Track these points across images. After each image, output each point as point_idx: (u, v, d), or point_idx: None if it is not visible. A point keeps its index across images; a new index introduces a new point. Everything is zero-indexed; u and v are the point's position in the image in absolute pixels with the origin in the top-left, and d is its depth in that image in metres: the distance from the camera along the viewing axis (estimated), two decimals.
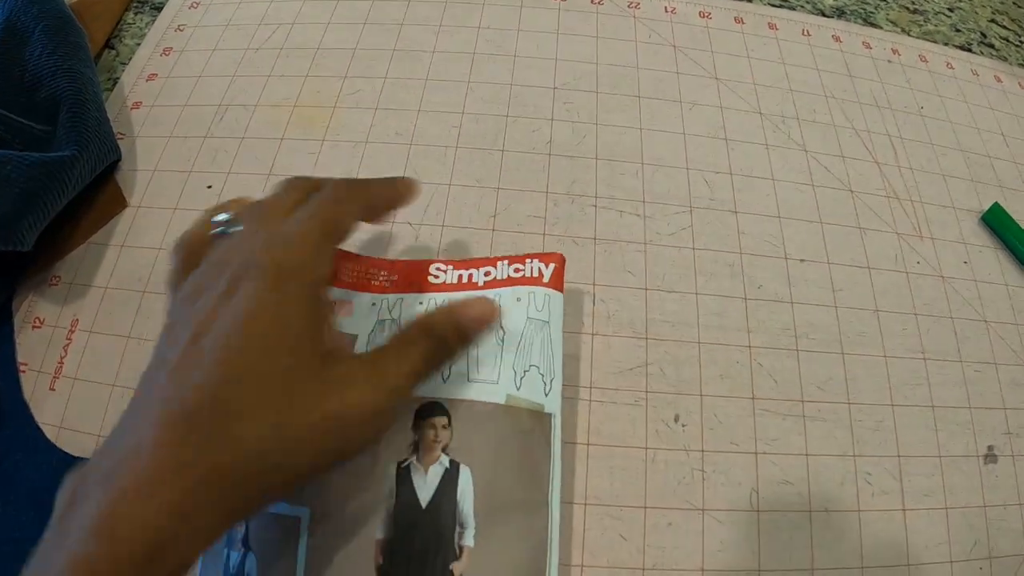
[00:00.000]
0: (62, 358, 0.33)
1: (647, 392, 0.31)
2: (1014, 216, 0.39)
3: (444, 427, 0.26)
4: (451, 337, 0.24)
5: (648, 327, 0.33)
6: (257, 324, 0.20)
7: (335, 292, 0.29)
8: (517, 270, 0.29)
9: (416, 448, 0.25)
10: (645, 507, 0.29)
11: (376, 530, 0.24)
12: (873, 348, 0.34)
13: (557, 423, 0.27)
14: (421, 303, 0.29)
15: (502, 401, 0.26)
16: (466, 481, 0.25)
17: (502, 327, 0.28)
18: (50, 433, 0.32)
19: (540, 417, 0.27)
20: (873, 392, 0.33)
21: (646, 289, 0.34)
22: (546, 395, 0.27)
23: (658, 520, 0.29)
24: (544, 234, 0.35)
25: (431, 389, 0.26)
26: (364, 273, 0.30)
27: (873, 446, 0.32)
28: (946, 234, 0.38)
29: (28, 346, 0.34)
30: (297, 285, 0.21)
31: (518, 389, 0.27)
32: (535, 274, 0.29)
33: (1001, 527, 0.31)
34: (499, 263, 0.30)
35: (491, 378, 0.27)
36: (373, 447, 0.25)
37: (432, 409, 0.26)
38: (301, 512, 0.24)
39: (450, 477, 0.25)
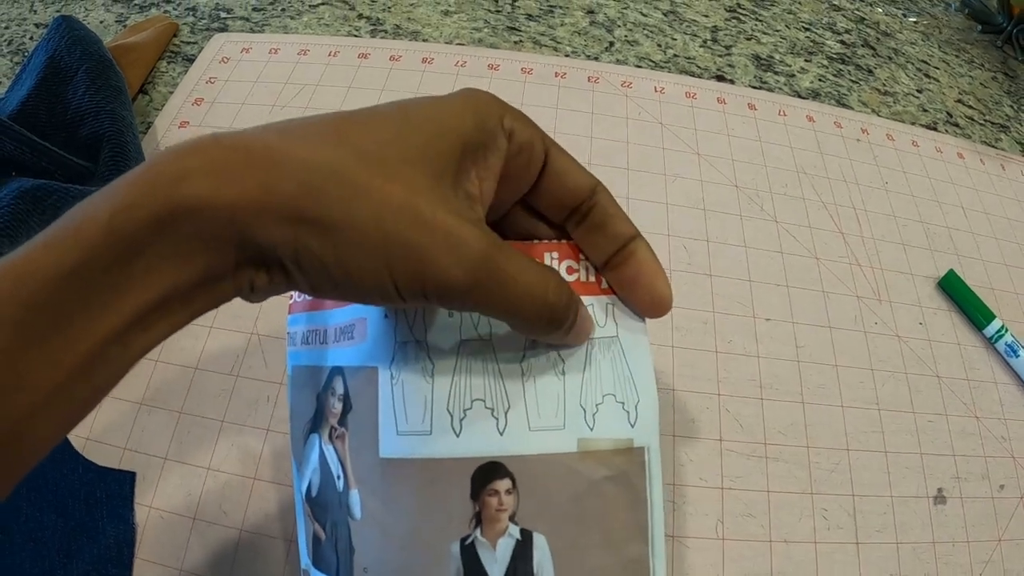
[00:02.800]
0: None
1: None
2: (970, 281, 0.45)
3: (508, 492, 0.22)
4: (555, 312, 0.21)
5: None
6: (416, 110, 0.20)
7: (353, 312, 0.26)
8: (571, 269, 0.24)
9: (479, 521, 0.22)
10: None
11: None
12: (831, 399, 0.39)
13: (655, 457, 0.23)
14: (451, 315, 0.24)
15: (574, 448, 0.23)
16: (542, 552, 0.22)
17: (560, 354, 0.24)
18: (77, 444, 0.36)
19: (630, 454, 0.23)
20: (830, 437, 0.38)
21: None
22: (632, 425, 0.23)
23: None
24: None
25: (485, 447, 0.23)
26: None
27: (830, 485, 0.37)
28: (904, 298, 0.44)
29: None
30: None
31: (592, 429, 0.23)
32: (591, 279, 0.24)
33: (949, 561, 0.36)
34: (547, 253, 0.24)
35: (555, 423, 0.23)
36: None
37: (492, 472, 0.22)
38: None
39: (523, 550, 0.22)
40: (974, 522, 0.37)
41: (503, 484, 0.22)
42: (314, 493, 0.27)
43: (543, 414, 0.23)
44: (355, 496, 0.24)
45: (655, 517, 0.23)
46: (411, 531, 0.23)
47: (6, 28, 0.57)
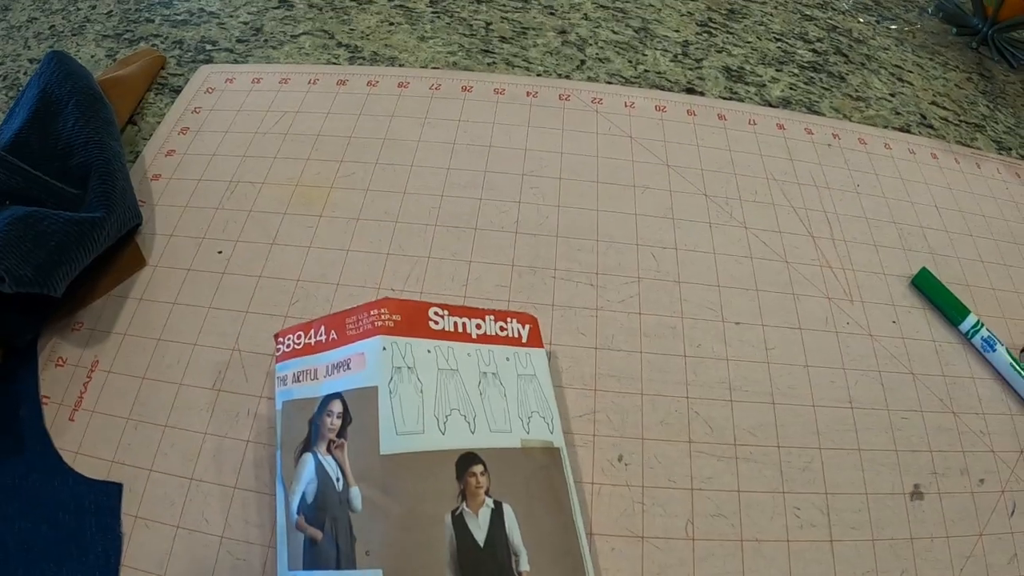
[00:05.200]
0: (82, 393, 0.40)
1: (594, 435, 0.38)
2: (945, 279, 0.47)
3: (482, 473, 0.32)
4: None
5: (597, 380, 0.40)
6: None
7: (349, 349, 0.35)
8: (502, 328, 0.37)
9: (463, 496, 0.31)
10: (592, 533, 0.36)
11: (446, 574, 0.29)
12: (802, 399, 0.41)
13: (565, 454, 0.34)
14: (429, 351, 0.35)
15: (519, 445, 0.33)
16: (511, 516, 0.31)
17: (502, 383, 0.35)
18: (67, 458, 0.38)
19: (552, 452, 0.34)
20: (801, 437, 0.39)
21: (596, 348, 0.41)
22: (551, 433, 0.35)
23: (603, 545, 0.35)
24: (509, 301, 0.43)
25: (463, 442, 0.33)
26: (366, 318, 0.35)
27: (801, 484, 0.38)
28: (876, 297, 0.46)
29: (51, 381, 0.40)
30: None
31: (528, 433, 0.34)
32: (515, 335, 0.37)
33: (928, 558, 0.37)
34: (487, 317, 0.37)
35: (505, 428, 0.34)
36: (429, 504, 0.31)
37: (470, 459, 0.32)
38: (375, 575, 0.29)
39: (497, 515, 0.31)
40: (954, 517, 0.38)
41: (478, 468, 0.32)
42: (309, 500, 0.32)
43: (497, 421, 0.34)
44: (355, 492, 0.31)
45: (572, 492, 0.34)
46: (410, 511, 0.30)
47: (1, 64, 0.60)
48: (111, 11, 0.66)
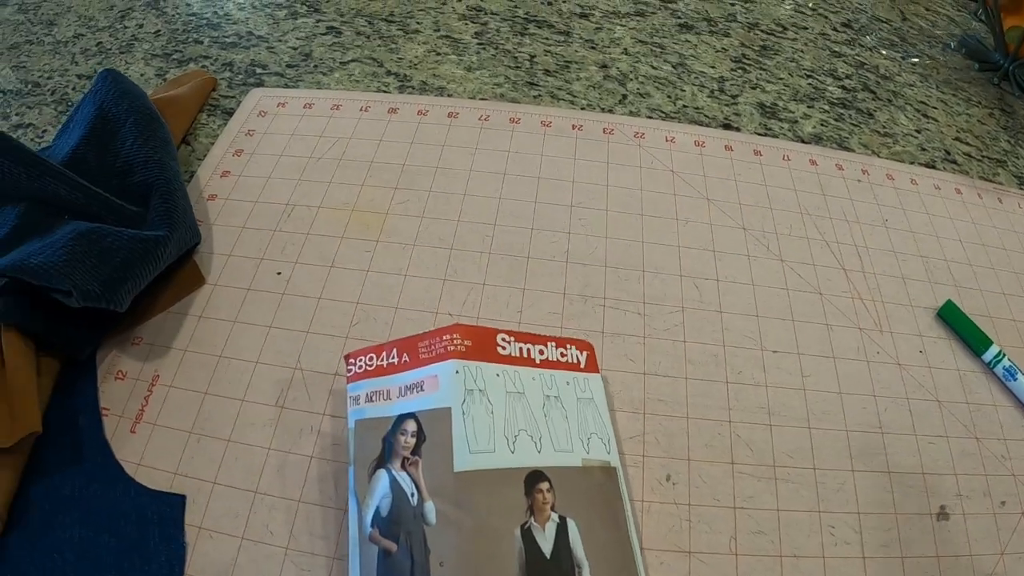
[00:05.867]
0: (143, 407, 0.42)
1: (643, 456, 0.41)
2: (968, 310, 0.50)
3: (548, 490, 0.35)
4: None
5: (645, 404, 0.43)
6: None
7: (422, 372, 0.38)
8: (563, 354, 0.41)
9: (531, 511, 0.34)
10: (644, 548, 0.39)
11: None
12: (836, 424, 0.44)
13: (621, 473, 0.38)
14: (498, 375, 0.38)
15: (580, 464, 0.37)
16: (574, 530, 0.34)
17: (563, 406, 0.39)
18: (129, 469, 0.39)
19: (609, 471, 0.37)
20: (835, 460, 0.43)
21: (644, 374, 0.44)
22: (608, 453, 0.38)
23: (653, 560, 0.38)
24: (561, 327, 0.46)
25: (530, 460, 0.35)
26: (439, 343, 0.38)
27: (836, 504, 0.41)
28: (904, 328, 0.49)
29: (110, 394, 0.42)
30: None
31: (587, 452, 0.37)
32: (574, 360, 0.41)
33: (953, 575, 0.40)
34: (549, 343, 0.41)
35: (568, 447, 0.37)
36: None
37: (537, 477, 0.35)
38: None
39: (562, 529, 0.34)
40: (977, 537, 0.41)
41: (545, 485, 0.35)
42: (384, 514, 0.35)
43: (560, 442, 0.37)
44: (430, 506, 0.34)
45: (627, 509, 0.37)
46: (481, 524, 0.33)
47: (49, 78, 0.63)
48: (159, 31, 0.69)
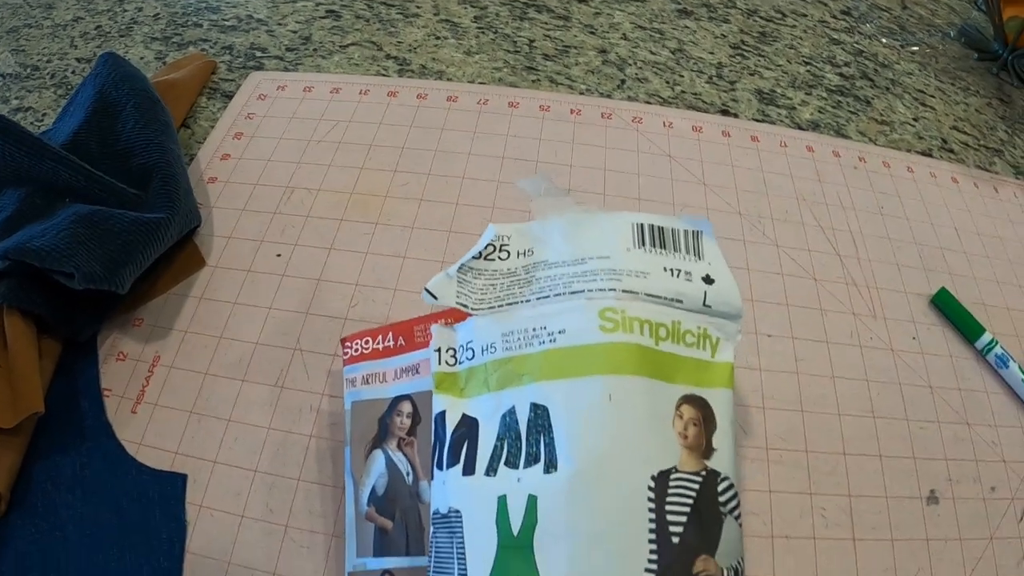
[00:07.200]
0: (144, 387, 0.43)
1: None
2: (962, 298, 0.50)
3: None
4: None
5: None
6: None
7: (417, 355, 0.37)
8: None
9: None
10: None
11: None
12: (828, 407, 0.45)
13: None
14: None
15: None
16: None
17: None
18: (131, 449, 0.40)
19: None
20: (828, 443, 0.43)
21: None
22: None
23: None
24: None
25: None
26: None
27: (827, 487, 0.42)
28: (898, 314, 0.49)
29: (111, 375, 0.43)
30: None
31: None
32: None
33: (942, 558, 0.40)
34: None
35: None
36: None
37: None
38: None
39: None
40: (966, 522, 0.42)
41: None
42: (380, 493, 0.35)
43: None
44: (425, 485, 0.34)
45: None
46: None
47: (48, 62, 0.64)
48: (158, 14, 0.69)
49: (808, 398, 0.45)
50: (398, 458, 0.36)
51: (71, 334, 0.44)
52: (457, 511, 0.30)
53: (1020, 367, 0.47)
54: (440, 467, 0.32)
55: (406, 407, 0.37)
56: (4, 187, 0.47)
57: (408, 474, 0.35)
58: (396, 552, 0.34)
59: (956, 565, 0.41)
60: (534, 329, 0.32)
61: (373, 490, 0.36)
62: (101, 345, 0.44)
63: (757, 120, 0.60)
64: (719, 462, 0.29)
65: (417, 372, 0.37)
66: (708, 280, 0.33)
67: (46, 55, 0.65)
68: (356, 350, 0.40)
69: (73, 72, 0.63)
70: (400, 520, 0.34)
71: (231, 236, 0.50)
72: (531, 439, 0.29)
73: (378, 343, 0.39)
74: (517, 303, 0.33)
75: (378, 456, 0.36)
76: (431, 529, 0.31)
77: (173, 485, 0.40)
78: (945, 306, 0.50)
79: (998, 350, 0.48)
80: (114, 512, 0.39)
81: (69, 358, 0.44)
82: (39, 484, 0.40)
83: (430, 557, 0.31)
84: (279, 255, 0.49)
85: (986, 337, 0.48)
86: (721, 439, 0.30)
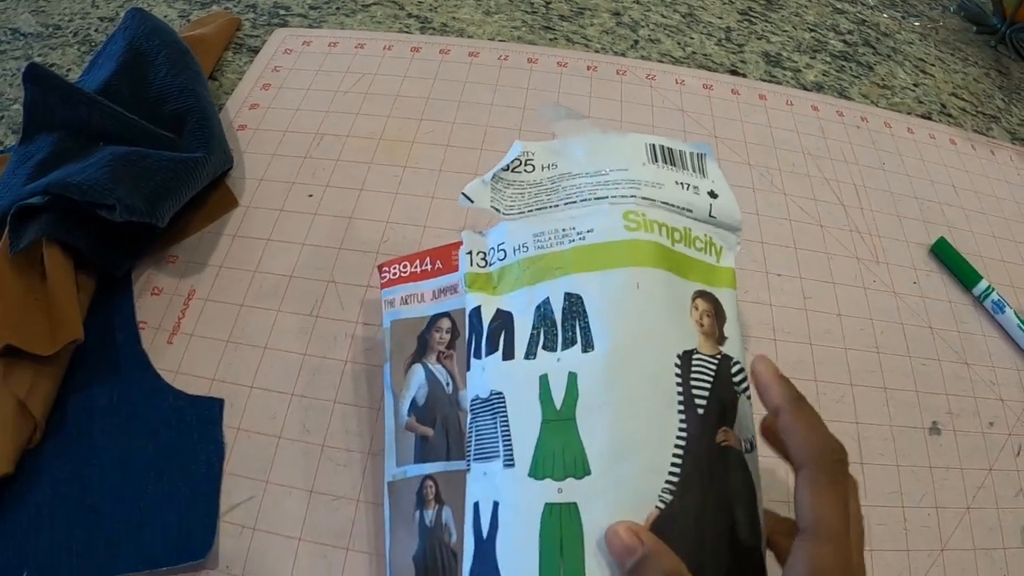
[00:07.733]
0: (180, 319, 0.44)
1: None
2: (960, 249, 0.53)
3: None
4: None
5: None
6: None
7: (455, 276, 0.38)
8: None
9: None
10: None
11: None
12: (835, 342, 0.47)
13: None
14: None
15: None
16: None
17: None
18: (167, 377, 0.42)
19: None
20: (835, 374, 0.45)
21: None
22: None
23: None
24: None
25: None
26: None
27: (835, 414, 0.44)
28: (899, 260, 0.52)
29: (147, 308, 0.45)
30: None
31: None
32: None
33: (944, 484, 0.43)
34: None
35: None
36: None
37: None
38: None
39: None
40: (967, 452, 0.44)
41: None
42: (420, 403, 0.37)
43: None
44: (463, 394, 0.35)
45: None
46: None
47: (70, 21, 0.65)
48: None
49: (816, 332, 0.47)
50: (438, 370, 0.37)
51: (108, 267, 0.45)
52: (499, 393, 0.32)
53: (1016, 313, 0.49)
54: (478, 356, 0.33)
55: (445, 323, 0.38)
56: (37, 133, 0.48)
57: (448, 384, 0.37)
58: (437, 458, 0.35)
59: (958, 492, 0.43)
60: (564, 229, 0.34)
61: (414, 401, 0.37)
62: (136, 281, 0.46)
63: (764, 80, 0.62)
64: (731, 348, 0.32)
65: (455, 292, 0.39)
66: (712, 195, 0.36)
67: (67, 15, 0.66)
68: (394, 274, 0.41)
69: (96, 30, 0.64)
70: (441, 427, 0.36)
71: (262, 179, 0.52)
72: (567, 325, 0.31)
73: (415, 267, 0.41)
74: (546, 208, 0.35)
75: (418, 369, 0.38)
76: (469, 417, 0.33)
77: (210, 409, 0.41)
78: (944, 254, 0.52)
79: (995, 296, 0.50)
80: (151, 438, 0.40)
81: (104, 295, 0.45)
82: (74, 413, 0.41)
83: (469, 443, 0.33)
84: (311, 195, 0.51)
85: (983, 284, 0.51)
86: (731, 329, 0.32)
